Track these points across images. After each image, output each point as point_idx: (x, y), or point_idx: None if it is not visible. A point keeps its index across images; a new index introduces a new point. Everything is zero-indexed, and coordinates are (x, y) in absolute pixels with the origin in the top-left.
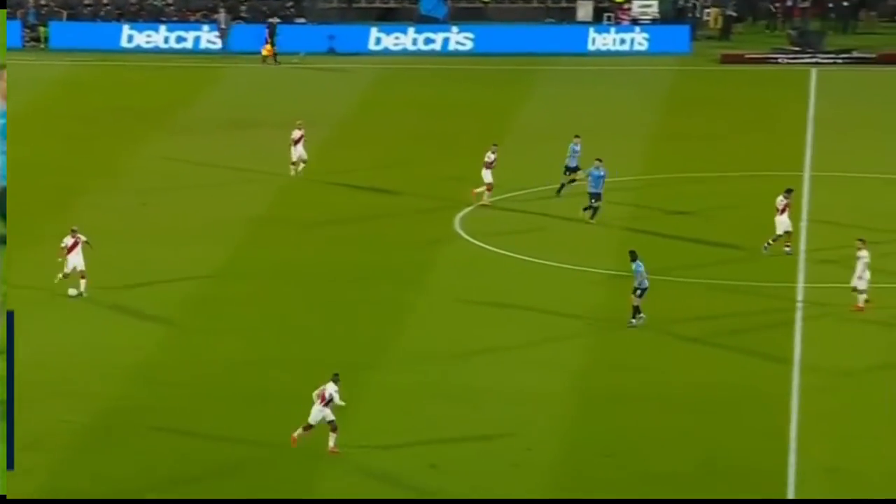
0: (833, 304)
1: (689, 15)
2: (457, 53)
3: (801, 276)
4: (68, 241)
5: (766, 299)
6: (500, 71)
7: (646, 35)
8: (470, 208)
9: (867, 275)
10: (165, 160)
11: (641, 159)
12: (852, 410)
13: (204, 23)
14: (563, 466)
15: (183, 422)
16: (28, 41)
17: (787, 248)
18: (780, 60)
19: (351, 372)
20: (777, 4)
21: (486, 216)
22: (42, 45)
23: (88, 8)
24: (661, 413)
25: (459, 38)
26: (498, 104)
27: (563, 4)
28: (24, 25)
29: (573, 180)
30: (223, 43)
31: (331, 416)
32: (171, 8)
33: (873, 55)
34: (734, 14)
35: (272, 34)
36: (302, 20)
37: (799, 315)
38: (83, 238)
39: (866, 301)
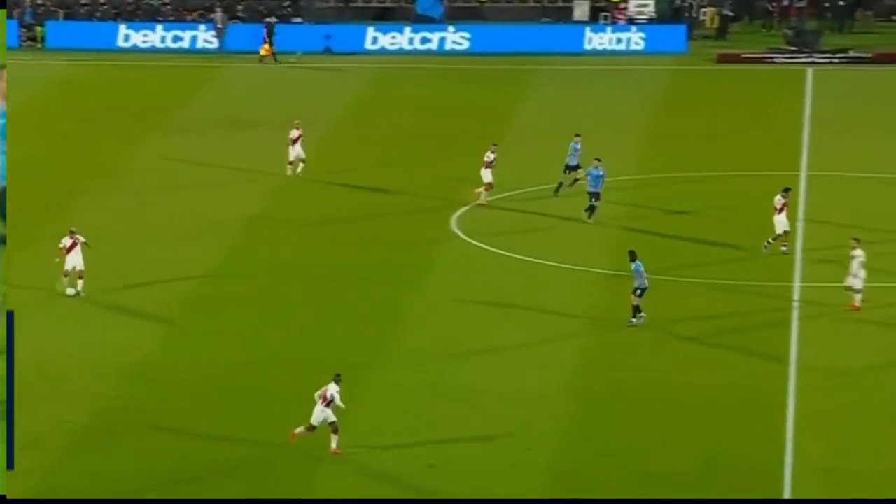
0: (830, 303)
1: (686, 14)
2: (453, 53)
3: (797, 276)
4: (67, 241)
5: (764, 299)
6: (496, 70)
7: (642, 34)
8: (467, 207)
9: (863, 274)
10: (163, 160)
11: (638, 159)
12: (849, 410)
13: (200, 22)
14: (561, 466)
15: (182, 422)
16: (25, 41)
17: (783, 248)
18: (776, 60)
19: (349, 372)
20: (774, 4)
21: (483, 216)
22: (39, 45)
23: (85, 7)
24: (660, 413)
25: (456, 38)
26: (494, 104)
27: (560, 4)
28: (21, 25)
29: (576, 180)
30: (220, 42)
31: (332, 418)
32: (168, 7)
33: (869, 55)
34: (730, 13)
35: (270, 34)
36: (299, 20)
37: (796, 314)
38: (82, 239)
39: (862, 300)
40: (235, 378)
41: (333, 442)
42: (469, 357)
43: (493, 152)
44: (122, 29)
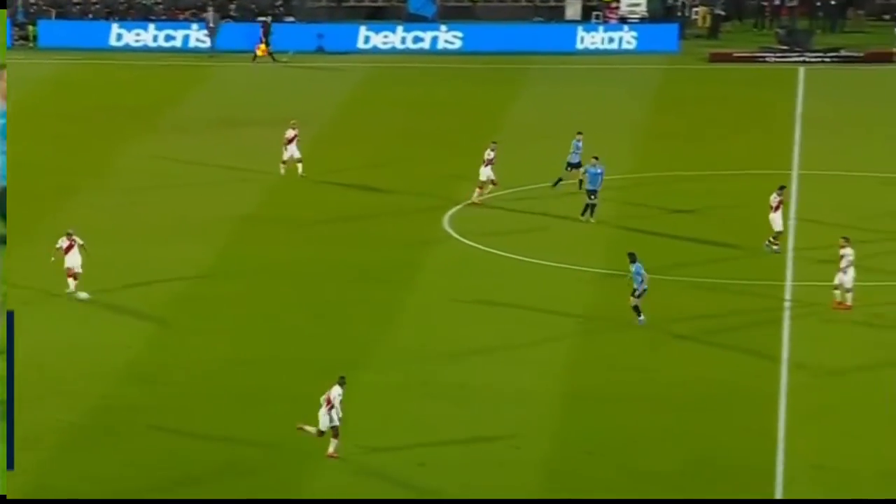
0: (821, 302)
1: (678, 14)
2: (445, 52)
3: (789, 275)
4: (64, 242)
5: (755, 298)
6: (488, 70)
7: (634, 34)
8: (459, 207)
9: (852, 273)
10: (155, 159)
11: (630, 158)
12: (840, 408)
13: (193, 21)
14: (552, 465)
15: (176, 421)
16: (17, 40)
17: (775, 247)
18: (768, 59)
19: (343, 371)
20: (765, 3)
21: (476, 215)
22: (31, 44)
23: (77, 6)
24: (651, 411)
25: (448, 37)
26: (487, 103)
27: (552, 3)
28: (13, 24)
29: (581, 181)
30: (212, 42)
31: (335, 422)
32: (160, 6)
33: (861, 54)
34: (722, 13)
35: (266, 33)
36: (291, 19)
37: (787, 313)
38: (80, 241)
39: (853, 299)
40: (229, 377)
41: (332, 446)
42: (461, 356)
43: (492, 150)
44: (115, 28)
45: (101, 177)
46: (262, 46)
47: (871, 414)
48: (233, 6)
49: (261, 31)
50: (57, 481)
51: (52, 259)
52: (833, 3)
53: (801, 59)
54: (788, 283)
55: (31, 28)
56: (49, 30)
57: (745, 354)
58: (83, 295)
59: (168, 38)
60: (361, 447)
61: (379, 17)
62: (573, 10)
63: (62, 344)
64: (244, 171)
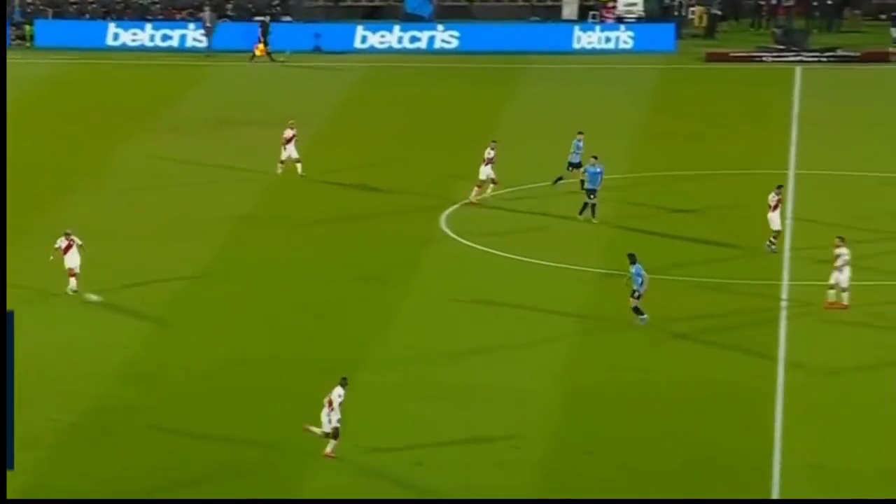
0: (818, 302)
1: (674, 13)
2: (442, 52)
3: (786, 274)
4: (62, 242)
5: (753, 297)
6: (485, 69)
7: (631, 33)
8: (456, 206)
9: (848, 272)
10: (152, 158)
11: (627, 157)
12: (837, 408)
13: (190, 21)
14: (550, 464)
15: (173, 421)
16: (14, 39)
17: (774, 247)
18: (764, 59)
19: (339, 371)
20: (762, 3)
21: (473, 215)
22: (28, 44)
23: (74, 6)
24: (650, 411)
25: (445, 37)
26: (484, 102)
27: (549, 3)
28: (10, 23)
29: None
30: (208, 41)
31: (334, 423)
32: (157, 6)
33: (857, 53)
34: (719, 12)
35: (265, 33)
36: (288, 18)
37: (784, 313)
38: (78, 241)
39: (848, 299)
40: (227, 377)
41: (329, 446)
42: (459, 356)
43: (492, 149)
44: (112, 28)
45: (99, 176)
46: (261, 46)
47: (867, 413)
48: (229, 6)
49: (259, 30)
50: (55, 481)
51: (51, 258)
52: (829, 2)
53: (798, 58)
54: (785, 282)
55: (27, 28)
56: (46, 29)
57: (743, 354)
58: (94, 297)
59: (165, 37)
60: (360, 447)
61: (376, 16)
62: (570, 10)
63: (60, 344)
64: (242, 171)
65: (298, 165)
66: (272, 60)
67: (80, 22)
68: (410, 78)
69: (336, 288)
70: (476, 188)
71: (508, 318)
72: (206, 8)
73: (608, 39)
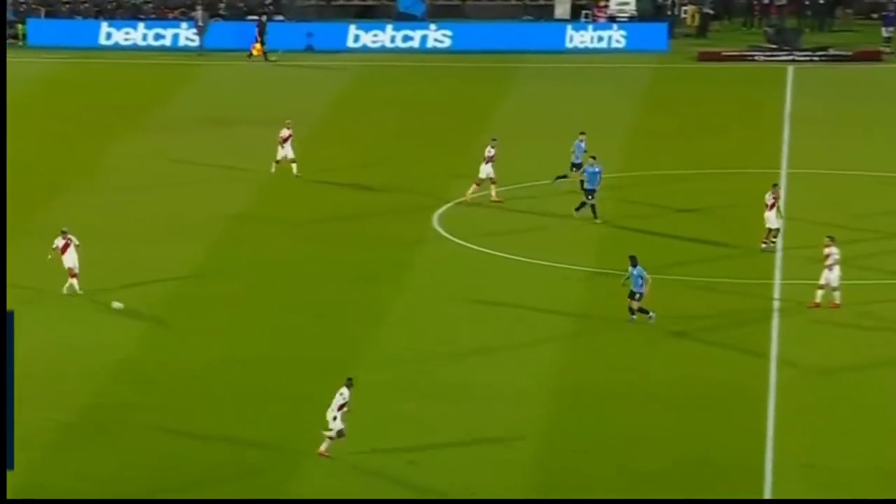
0: (810, 301)
1: (667, 13)
2: (435, 51)
3: (778, 273)
4: (59, 242)
5: (747, 297)
6: (478, 68)
7: (623, 33)
8: (450, 205)
9: (838, 271)
10: (145, 157)
11: (620, 156)
12: (829, 406)
13: (182, 20)
14: (545, 464)
15: (168, 420)
16: (6, 38)
17: (763, 245)
18: (757, 58)
19: (334, 370)
20: (754, 2)
21: (466, 214)
22: (20, 43)
23: (66, 5)
24: (645, 409)
25: (437, 36)
26: (477, 102)
27: (541, 2)
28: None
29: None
30: (200, 40)
31: (339, 425)
32: (150, 5)
33: (849, 53)
34: (711, 12)
35: (262, 32)
36: (280, 17)
37: (777, 312)
38: (75, 241)
39: (834, 298)
40: (220, 377)
41: (324, 444)
42: (455, 356)
43: (492, 147)
44: (104, 27)
45: (92, 175)
46: (258, 45)
47: (859, 412)
48: (222, 5)
49: (256, 30)
50: (49, 480)
51: (49, 258)
52: (821, 2)
53: (790, 57)
54: (778, 281)
55: (20, 27)
56: (38, 28)
57: (737, 353)
58: (118, 305)
59: (157, 36)
60: (355, 446)
61: (368, 15)
62: (562, 9)
63: (55, 343)
64: (235, 170)
65: (294, 165)
66: (266, 60)
67: (73, 21)
68: (403, 77)
69: (330, 287)
70: (475, 185)
71: (503, 318)
72: (199, 7)
73: (601, 39)
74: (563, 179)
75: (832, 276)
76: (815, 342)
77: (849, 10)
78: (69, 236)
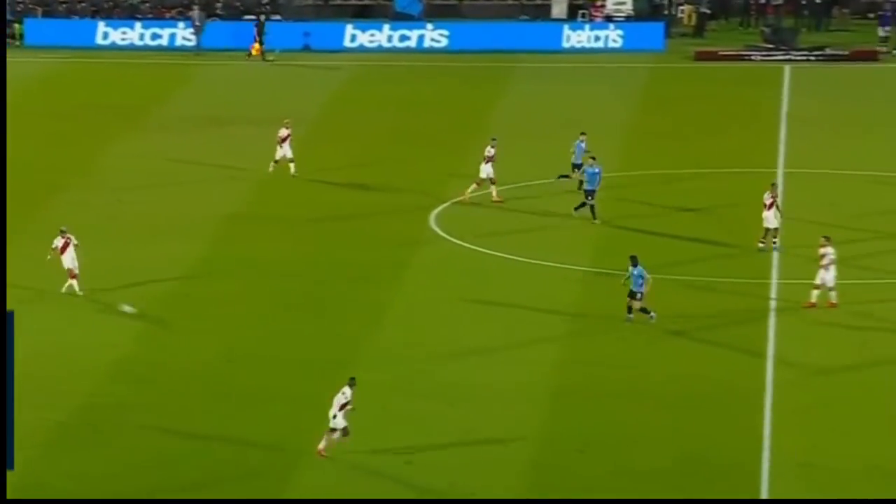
0: (806, 301)
1: (664, 12)
2: (432, 50)
3: (774, 273)
4: (59, 241)
5: (744, 296)
6: (475, 68)
7: (620, 32)
8: (447, 205)
9: (834, 271)
10: (142, 157)
11: (617, 156)
12: (826, 406)
13: (179, 20)
14: (542, 463)
15: (164, 420)
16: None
17: (761, 245)
18: (753, 57)
19: (330, 369)
20: (751, 1)
21: (463, 214)
22: (17, 42)
23: (63, 5)
24: (642, 409)
25: (434, 35)
26: (473, 101)
27: (538, 2)
28: None
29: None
30: (197, 40)
31: (342, 423)
32: (147, 5)
33: (846, 52)
34: (708, 11)
35: (260, 32)
36: (278, 17)
37: (774, 311)
38: (74, 241)
39: (826, 298)
40: (217, 376)
41: (323, 441)
42: (451, 355)
43: (492, 147)
44: (101, 26)
45: (89, 175)
46: (257, 45)
47: (856, 411)
48: (219, 4)
49: (255, 29)
50: (45, 480)
51: (49, 258)
52: (818, 1)
53: (787, 57)
54: (775, 280)
55: (17, 26)
56: (35, 28)
57: (734, 352)
58: (128, 308)
59: (154, 36)
60: (353, 446)
61: (365, 15)
62: (559, 9)
63: (52, 342)
64: (232, 170)
65: (291, 165)
66: (263, 59)
67: (70, 21)
68: (400, 77)
69: (327, 287)
70: (475, 185)
71: (501, 317)
72: (196, 7)
73: (597, 38)
74: (564, 179)
75: (828, 276)
76: (813, 342)
77: (845, 10)
78: (68, 235)
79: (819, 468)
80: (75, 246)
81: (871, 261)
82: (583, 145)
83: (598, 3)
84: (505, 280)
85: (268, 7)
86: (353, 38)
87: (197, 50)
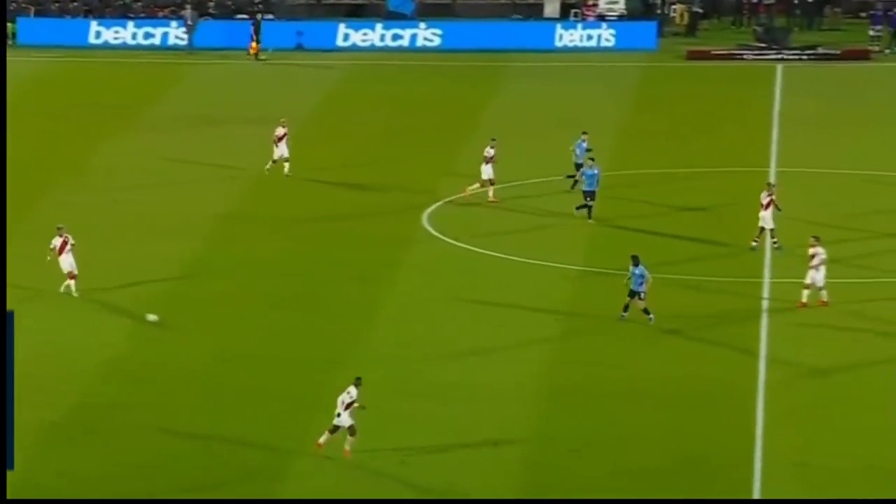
0: (797, 300)
1: (656, 11)
2: (425, 49)
3: (767, 272)
4: (57, 241)
5: (737, 295)
6: (468, 67)
7: (612, 31)
8: (440, 204)
9: (824, 271)
10: (135, 156)
11: (609, 155)
12: (819, 405)
13: (171, 19)
14: (536, 463)
15: (158, 419)
16: None
17: (754, 244)
18: (745, 57)
19: (325, 369)
20: (743, 1)
21: (457, 213)
22: (10, 42)
23: (56, 4)
24: (636, 408)
25: (427, 34)
26: (466, 100)
27: (530, 1)
28: None
29: (576, 181)
30: (190, 39)
31: (348, 422)
32: (139, 4)
33: (838, 51)
34: (700, 10)
35: (257, 31)
36: (270, 16)
37: (766, 311)
38: (71, 240)
39: (817, 297)
40: (211, 376)
41: (323, 437)
42: (446, 355)
43: (492, 147)
44: (94, 26)
45: (82, 174)
46: (254, 45)
47: (850, 410)
48: (211, 4)
49: (251, 28)
50: (39, 479)
51: (48, 258)
52: (810, 0)
53: (779, 56)
54: (767, 280)
55: (10, 26)
56: (28, 27)
57: (727, 351)
58: (153, 317)
59: (147, 35)
60: (342, 443)
61: (358, 14)
62: (552, 8)
63: (47, 342)
64: (225, 169)
65: (286, 164)
66: (256, 59)
67: (62, 20)
68: (393, 76)
69: (321, 286)
70: (478, 184)
71: (494, 317)
72: (188, 6)
73: (590, 37)
74: (571, 179)
75: (818, 276)
76: (805, 341)
77: (837, 9)
78: (66, 234)
79: (812, 467)
80: (72, 245)
81: (864, 260)
82: (584, 145)
83: (591, 3)
84: (499, 279)
85: (261, 6)
86: (346, 37)
87: (189, 49)
